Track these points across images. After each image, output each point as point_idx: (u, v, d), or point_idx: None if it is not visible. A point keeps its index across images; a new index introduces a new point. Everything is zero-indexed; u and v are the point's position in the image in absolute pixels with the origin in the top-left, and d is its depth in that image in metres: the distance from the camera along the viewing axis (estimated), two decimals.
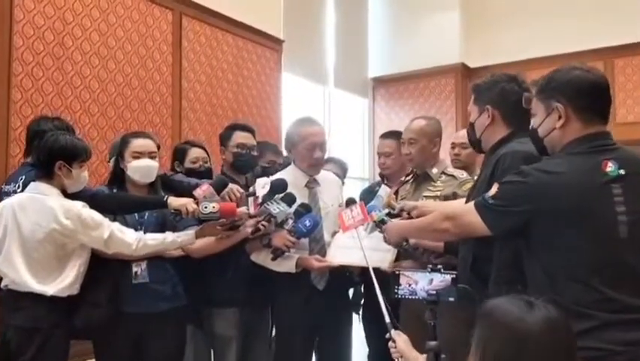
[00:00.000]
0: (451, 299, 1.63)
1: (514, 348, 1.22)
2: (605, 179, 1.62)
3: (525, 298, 1.29)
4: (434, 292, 1.63)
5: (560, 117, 1.72)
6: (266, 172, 3.24)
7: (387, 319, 1.77)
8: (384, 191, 2.45)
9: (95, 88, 4.75)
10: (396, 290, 1.68)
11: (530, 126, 1.85)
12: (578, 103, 1.70)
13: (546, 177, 1.65)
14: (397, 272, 1.70)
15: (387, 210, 2.32)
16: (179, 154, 3.24)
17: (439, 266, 1.66)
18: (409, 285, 1.67)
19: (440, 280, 1.65)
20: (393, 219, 2.29)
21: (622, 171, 1.63)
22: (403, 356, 1.65)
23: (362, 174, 8.63)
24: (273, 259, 2.58)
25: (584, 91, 1.70)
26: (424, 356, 1.59)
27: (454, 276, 1.65)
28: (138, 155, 2.56)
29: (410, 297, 1.69)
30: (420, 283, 1.66)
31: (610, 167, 1.63)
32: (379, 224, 2.25)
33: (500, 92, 2.06)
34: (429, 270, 1.66)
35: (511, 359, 1.22)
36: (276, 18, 6.64)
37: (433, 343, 1.56)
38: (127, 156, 2.57)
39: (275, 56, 6.65)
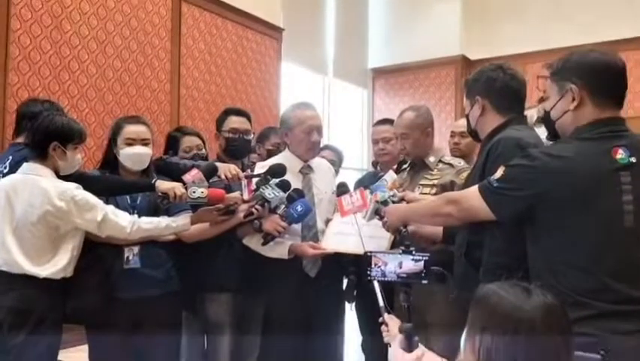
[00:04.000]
0: (425, 282, 1.60)
1: (511, 334, 1.21)
2: (615, 166, 1.59)
3: (521, 284, 1.28)
4: (405, 275, 1.61)
5: (573, 99, 1.68)
6: (271, 155, 3.23)
7: (380, 303, 1.75)
8: (390, 176, 2.43)
9: (93, 73, 4.73)
10: (368, 272, 1.66)
11: (543, 109, 1.84)
12: (594, 85, 1.67)
13: (553, 161, 1.63)
14: (369, 254, 1.67)
15: (392, 192, 2.30)
16: (171, 142, 3.18)
17: (412, 248, 1.63)
18: (378, 266, 1.64)
19: (411, 263, 1.61)
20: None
21: (633, 159, 1.60)
22: (399, 328, 1.64)
23: (360, 164, 8.63)
24: (264, 243, 2.57)
25: (601, 73, 1.67)
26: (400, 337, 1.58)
27: (427, 258, 1.62)
28: (131, 142, 2.54)
29: (382, 279, 1.66)
30: (389, 265, 1.63)
31: (620, 154, 1.60)
32: (382, 204, 2.24)
33: (486, 80, 2.06)
34: (400, 252, 1.63)
35: (508, 345, 1.21)
36: (276, 6, 6.61)
37: (407, 325, 1.53)
38: (119, 142, 2.54)
39: (274, 45, 6.63)
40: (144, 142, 2.57)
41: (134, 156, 2.55)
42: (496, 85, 2.03)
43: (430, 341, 2.08)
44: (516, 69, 2.09)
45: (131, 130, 2.56)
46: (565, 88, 1.70)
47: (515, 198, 1.67)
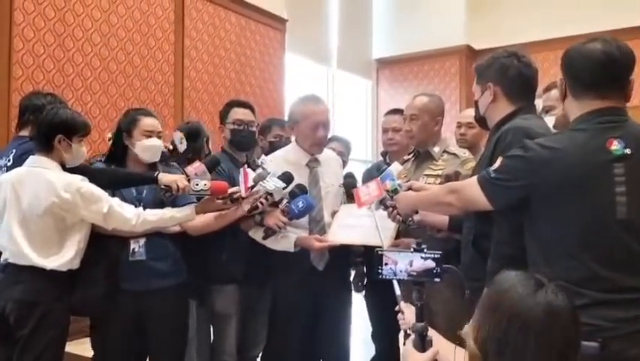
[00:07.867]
0: (437, 280, 1.58)
1: (507, 325, 1.19)
2: (608, 157, 1.59)
3: (539, 278, 1.24)
4: (415, 273, 1.59)
5: (565, 96, 1.75)
6: (273, 147, 3.22)
7: (397, 291, 1.75)
8: (394, 167, 2.42)
9: (97, 66, 4.72)
10: (380, 270, 1.63)
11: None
12: (578, 80, 1.70)
13: (546, 152, 1.64)
14: (380, 252, 1.64)
15: (400, 181, 2.30)
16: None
17: (423, 246, 1.60)
18: (387, 265, 1.62)
19: (421, 261, 1.57)
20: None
21: (628, 151, 1.59)
22: (412, 328, 1.62)
23: (365, 155, 8.61)
24: (264, 238, 2.58)
25: (581, 67, 1.69)
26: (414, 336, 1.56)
27: (438, 256, 1.57)
28: (149, 134, 2.55)
29: (393, 278, 1.63)
30: (399, 263, 1.60)
31: (615, 145, 1.60)
32: (391, 193, 2.24)
33: (500, 67, 2.02)
34: (411, 250, 1.62)
35: (503, 335, 1.19)
36: None
37: (419, 324, 1.52)
38: (136, 134, 2.54)
39: (278, 36, 6.60)
40: (159, 135, 2.60)
41: (152, 147, 2.56)
42: (509, 72, 2.01)
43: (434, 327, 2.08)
44: (529, 57, 2.06)
45: (149, 123, 2.57)
46: (562, 85, 1.79)
47: (510, 188, 1.69)
